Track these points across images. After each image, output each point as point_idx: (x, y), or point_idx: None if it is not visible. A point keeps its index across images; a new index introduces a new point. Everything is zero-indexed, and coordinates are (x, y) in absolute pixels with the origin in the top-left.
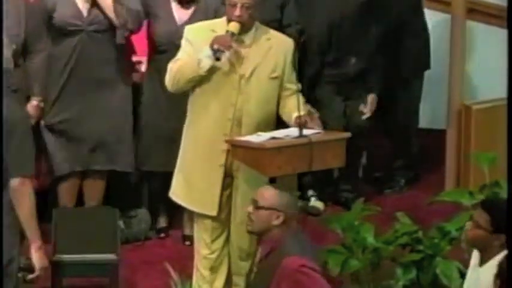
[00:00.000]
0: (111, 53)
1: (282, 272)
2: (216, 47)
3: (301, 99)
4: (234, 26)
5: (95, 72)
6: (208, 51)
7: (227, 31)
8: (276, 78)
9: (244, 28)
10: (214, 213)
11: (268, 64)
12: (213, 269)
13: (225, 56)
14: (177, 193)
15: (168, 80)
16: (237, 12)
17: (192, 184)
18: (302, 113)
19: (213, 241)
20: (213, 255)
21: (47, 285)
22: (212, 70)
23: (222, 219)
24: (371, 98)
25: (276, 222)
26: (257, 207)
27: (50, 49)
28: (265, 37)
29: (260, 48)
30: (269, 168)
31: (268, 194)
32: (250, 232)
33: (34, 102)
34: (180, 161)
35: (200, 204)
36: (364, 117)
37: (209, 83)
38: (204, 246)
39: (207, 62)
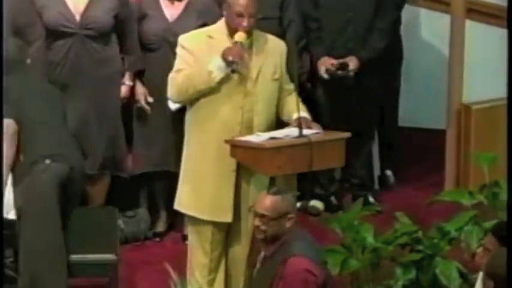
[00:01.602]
0: (104, 57)
1: (287, 270)
2: (231, 59)
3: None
4: (242, 36)
5: (88, 76)
6: (220, 62)
7: (235, 42)
8: (277, 79)
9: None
10: (229, 219)
11: (269, 66)
12: (211, 275)
13: (240, 66)
14: (185, 204)
15: (174, 91)
16: (245, 23)
17: (202, 192)
18: (302, 114)
19: (213, 250)
20: (212, 264)
21: None
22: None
23: (224, 226)
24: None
25: (289, 224)
26: (267, 219)
27: (43, 52)
28: (262, 40)
29: (260, 50)
30: (269, 168)
31: (275, 203)
32: (262, 240)
33: None
34: (185, 171)
35: (212, 212)
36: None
37: (214, 90)
38: (203, 255)
39: (218, 74)
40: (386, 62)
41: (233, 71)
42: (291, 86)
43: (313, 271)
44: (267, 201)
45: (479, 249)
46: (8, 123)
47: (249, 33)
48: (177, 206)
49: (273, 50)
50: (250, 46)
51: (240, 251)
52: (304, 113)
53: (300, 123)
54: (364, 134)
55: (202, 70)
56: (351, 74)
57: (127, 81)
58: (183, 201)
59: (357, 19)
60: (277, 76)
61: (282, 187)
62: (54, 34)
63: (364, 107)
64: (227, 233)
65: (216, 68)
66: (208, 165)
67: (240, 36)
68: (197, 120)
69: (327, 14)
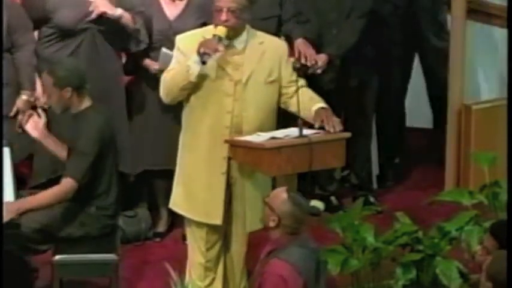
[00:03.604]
0: (109, 53)
1: (266, 270)
2: (202, 50)
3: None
4: (221, 30)
5: (94, 73)
6: (195, 57)
7: (214, 35)
8: (273, 82)
9: (234, 33)
10: (219, 222)
11: (263, 69)
12: (209, 275)
13: (212, 59)
14: (179, 204)
15: (162, 91)
16: (223, 16)
17: (193, 194)
18: (321, 104)
19: (208, 249)
20: (209, 264)
21: (47, 286)
22: (205, 77)
23: (218, 227)
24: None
25: (271, 223)
26: (265, 202)
27: (47, 50)
28: (258, 41)
29: (254, 53)
30: (269, 168)
31: (275, 195)
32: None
33: (24, 96)
34: (179, 172)
35: (204, 214)
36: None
37: (203, 91)
38: (200, 254)
39: (195, 68)
40: (384, 61)
41: (204, 63)
42: (294, 87)
43: (287, 278)
44: (276, 190)
45: (479, 248)
46: None
47: (234, 30)
48: (171, 205)
49: (271, 51)
50: (244, 49)
51: (237, 252)
52: (323, 104)
53: (300, 123)
54: (361, 133)
55: (183, 67)
56: (318, 71)
57: None
58: (178, 202)
59: (339, 21)
60: (272, 79)
61: (303, 200)
62: (66, 31)
63: (359, 106)
64: (224, 234)
65: (192, 62)
66: (199, 168)
67: (219, 30)
68: (188, 122)
69: (313, 15)
